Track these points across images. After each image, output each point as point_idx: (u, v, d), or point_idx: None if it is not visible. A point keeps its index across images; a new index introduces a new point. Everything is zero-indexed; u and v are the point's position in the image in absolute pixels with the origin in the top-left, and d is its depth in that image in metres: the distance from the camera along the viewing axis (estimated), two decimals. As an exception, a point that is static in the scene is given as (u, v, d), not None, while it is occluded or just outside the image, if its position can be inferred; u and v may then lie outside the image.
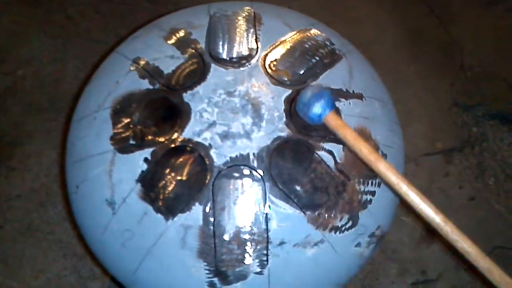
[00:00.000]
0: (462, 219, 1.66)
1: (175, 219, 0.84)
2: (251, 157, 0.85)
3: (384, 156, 0.93)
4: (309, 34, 1.00)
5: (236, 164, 0.85)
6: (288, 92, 0.91)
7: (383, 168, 0.81)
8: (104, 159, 0.89)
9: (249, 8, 1.02)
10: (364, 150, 0.82)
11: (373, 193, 0.90)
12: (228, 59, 0.94)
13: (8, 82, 1.86)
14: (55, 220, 1.62)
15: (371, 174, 0.90)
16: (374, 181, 0.91)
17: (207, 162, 0.85)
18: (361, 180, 0.89)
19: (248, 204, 0.84)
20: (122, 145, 0.88)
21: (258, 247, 0.83)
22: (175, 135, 0.87)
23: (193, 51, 0.95)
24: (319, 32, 1.01)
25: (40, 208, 1.63)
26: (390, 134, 0.96)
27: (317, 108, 0.83)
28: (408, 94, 1.90)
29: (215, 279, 0.84)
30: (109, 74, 0.99)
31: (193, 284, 0.85)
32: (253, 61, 0.94)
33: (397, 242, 1.62)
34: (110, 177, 0.88)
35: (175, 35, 0.98)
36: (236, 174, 0.85)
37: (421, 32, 2.08)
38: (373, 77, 1.03)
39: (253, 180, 0.84)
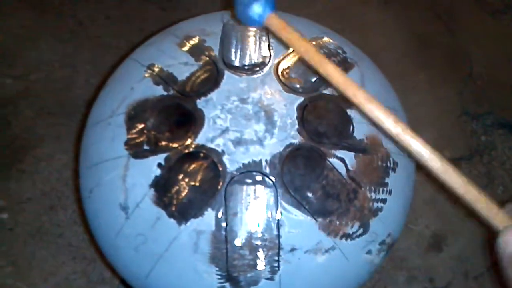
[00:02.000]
0: (470, 227, 1.67)
1: (188, 224, 0.84)
2: (264, 163, 0.86)
3: (396, 164, 0.93)
4: (321, 42, 1.01)
5: (249, 171, 0.86)
6: (301, 99, 0.92)
7: (331, 69, 0.73)
8: (118, 164, 0.90)
9: (262, 16, 1.03)
10: (309, 50, 0.75)
11: (384, 201, 0.91)
12: (241, 66, 0.95)
13: (19, 87, 1.87)
14: (65, 224, 1.63)
15: (383, 182, 0.91)
16: (385, 189, 0.91)
17: (220, 168, 0.86)
18: (373, 187, 0.90)
19: (260, 210, 0.85)
20: (136, 150, 0.89)
21: (270, 253, 0.84)
22: (189, 141, 0.88)
23: (207, 58, 0.96)
24: (331, 40, 1.02)
25: (51, 212, 1.65)
26: (401, 142, 0.97)
27: (257, 7, 0.76)
28: (417, 101, 1.90)
29: (227, 284, 0.85)
30: (123, 80, 1.00)
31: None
32: (266, 68, 0.95)
33: (406, 250, 1.63)
34: (124, 181, 0.89)
35: (189, 42, 0.99)
36: (249, 180, 0.85)
37: (429, 40, 2.09)
38: (384, 86, 1.03)
39: (265, 187, 0.85)
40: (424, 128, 1.84)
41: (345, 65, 0.99)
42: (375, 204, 0.90)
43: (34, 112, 1.82)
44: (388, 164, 0.92)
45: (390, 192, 0.92)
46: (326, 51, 0.99)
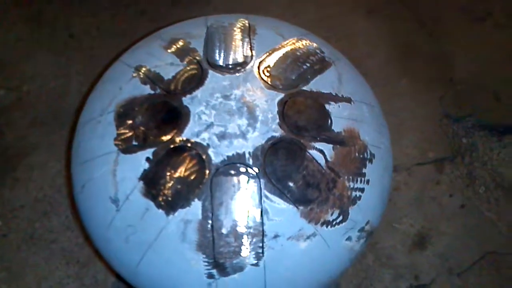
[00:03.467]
0: (454, 226, 1.71)
1: (176, 214, 0.89)
2: (247, 155, 0.91)
3: (372, 155, 0.98)
4: (300, 43, 1.06)
5: (233, 162, 0.90)
6: (281, 95, 0.97)
7: None
8: (108, 160, 0.94)
9: (244, 20, 1.09)
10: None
11: (362, 190, 0.95)
12: (224, 65, 1.00)
13: (13, 97, 1.92)
14: (58, 229, 1.66)
15: (360, 172, 0.96)
16: (363, 179, 0.96)
17: (206, 161, 0.90)
18: (351, 177, 0.95)
19: (244, 199, 0.89)
20: (125, 146, 0.94)
21: (254, 240, 0.88)
22: (175, 136, 0.92)
23: (192, 58, 1.01)
24: (310, 42, 1.07)
25: (44, 218, 1.68)
26: (378, 135, 1.02)
27: None
28: (400, 106, 1.96)
29: (214, 271, 0.89)
30: (112, 81, 1.05)
31: (193, 276, 0.90)
32: (248, 67, 1.00)
33: (391, 249, 1.67)
34: (114, 176, 0.93)
35: (175, 44, 1.04)
36: (233, 172, 0.90)
37: (413, 47, 2.15)
38: (361, 83, 1.09)
39: (248, 177, 0.90)
40: (408, 131, 1.90)
41: (323, 64, 1.04)
42: (354, 193, 0.94)
43: (27, 121, 1.86)
44: (365, 155, 0.97)
45: (368, 181, 0.97)
46: (305, 51, 1.05)
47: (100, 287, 1.57)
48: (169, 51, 1.04)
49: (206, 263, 0.89)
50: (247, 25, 1.07)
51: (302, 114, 0.96)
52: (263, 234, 0.89)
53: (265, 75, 0.99)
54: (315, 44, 1.08)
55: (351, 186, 0.94)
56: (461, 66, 2.08)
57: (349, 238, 0.95)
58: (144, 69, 1.01)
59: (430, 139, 1.90)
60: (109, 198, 0.93)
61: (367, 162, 0.97)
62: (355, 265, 1.61)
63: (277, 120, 0.94)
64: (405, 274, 1.63)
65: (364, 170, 0.97)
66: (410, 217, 1.73)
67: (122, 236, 0.92)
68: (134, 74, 1.02)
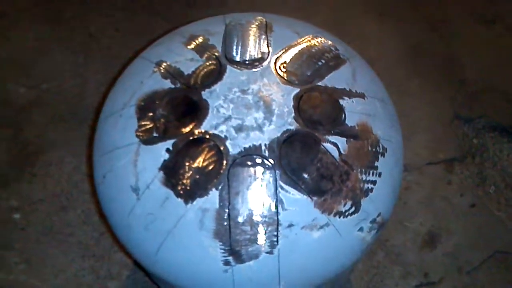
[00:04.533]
0: (464, 224, 1.74)
1: (194, 203, 0.92)
2: (263, 147, 0.94)
3: (385, 149, 1.01)
4: (315, 40, 1.10)
5: (249, 154, 0.94)
6: (297, 90, 1.00)
7: None
8: (129, 150, 0.98)
9: (261, 17, 1.12)
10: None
11: (374, 182, 0.98)
12: (242, 61, 1.04)
13: (32, 95, 1.97)
14: (75, 223, 1.71)
15: (373, 165, 0.99)
16: (375, 172, 0.99)
17: (223, 152, 0.94)
18: (363, 170, 0.98)
19: (260, 189, 0.92)
20: (146, 137, 0.98)
21: (269, 229, 0.92)
22: (194, 128, 0.96)
23: (211, 54, 1.05)
24: (325, 39, 1.11)
25: (61, 212, 1.72)
26: (390, 130, 1.05)
27: None
28: (411, 107, 1.99)
29: (230, 258, 0.92)
30: (134, 76, 1.09)
31: (209, 262, 0.93)
32: (265, 63, 1.04)
33: (401, 247, 1.69)
34: (135, 166, 0.97)
35: (194, 41, 1.08)
36: (249, 163, 0.93)
37: (423, 48, 2.18)
38: (374, 80, 1.12)
39: (264, 168, 0.93)
40: (419, 131, 1.93)
41: (337, 61, 1.07)
42: (366, 185, 0.97)
43: (46, 119, 1.91)
44: (378, 149, 1.00)
45: (380, 174, 1.00)
46: (320, 48, 1.08)
47: (114, 280, 1.61)
48: (188, 47, 1.07)
49: (222, 251, 0.92)
50: (264, 22, 1.11)
51: (317, 108, 0.99)
52: (278, 223, 0.92)
53: (281, 71, 1.03)
54: (329, 42, 1.11)
55: (364, 179, 0.97)
56: (472, 68, 2.11)
57: (361, 229, 0.97)
58: (164, 64, 1.05)
59: (441, 139, 1.93)
60: (130, 187, 0.97)
61: (380, 156, 1.00)
62: (365, 262, 1.64)
63: (293, 114, 0.97)
64: (414, 271, 1.66)
65: (376, 164, 0.99)
66: (421, 216, 1.76)
67: (142, 224, 0.96)
68: (155, 69, 1.05)
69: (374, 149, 1.00)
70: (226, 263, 0.93)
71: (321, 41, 1.10)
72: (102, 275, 1.62)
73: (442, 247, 1.71)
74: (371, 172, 0.99)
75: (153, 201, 0.95)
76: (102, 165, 1.04)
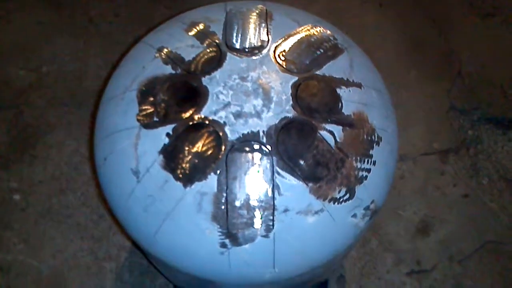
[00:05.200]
0: (456, 214, 1.77)
1: (193, 186, 0.94)
2: (261, 134, 0.96)
3: (380, 138, 1.04)
4: (314, 30, 1.11)
5: (248, 140, 0.96)
6: (295, 79, 1.02)
7: None
8: (130, 134, 1.00)
9: (261, 6, 1.14)
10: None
11: (368, 170, 1.01)
12: (242, 49, 1.06)
13: (33, 78, 1.99)
14: (74, 205, 1.73)
15: (367, 153, 1.01)
16: (370, 160, 1.01)
17: (222, 138, 0.96)
18: (358, 158, 1.00)
19: (257, 175, 0.95)
20: (147, 121, 1.00)
21: (265, 213, 0.94)
22: (194, 114, 0.98)
23: (211, 41, 1.07)
24: (324, 29, 1.13)
25: (60, 194, 1.75)
26: (385, 119, 1.07)
27: None
28: (408, 98, 2.01)
29: (227, 241, 0.95)
30: (136, 61, 1.10)
31: (206, 244, 0.96)
32: (264, 51, 1.06)
33: (394, 234, 1.73)
34: (136, 149, 0.99)
35: (195, 28, 1.10)
36: (247, 149, 0.96)
37: (422, 41, 2.20)
38: (371, 70, 1.14)
39: (262, 154, 0.95)
40: (415, 122, 1.95)
41: (335, 50, 1.09)
42: (360, 173, 1.00)
43: (46, 102, 1.93)
44: (373, 138, 1.03)
45: (374, 163, 1.02)
46: (319, 37, 1.10)
47: (113, 261, 1.64)
48: (189, 33, 1.09)
49: (219, 233, 0.95)
50: (264, 11, 1.12)
51: (315, 96, 1.01)
52: (274, 208, 0.94)
53: (281, 59, 1.04)
54: (328, 31, 1.13)
55: (359, 166, 1.00)
56: (469, 60, 2.13)
57: (354, 215, 1.00)
58: (166, 50, 1.07)
59: (436, 130, 1.95)
60: (130, 170, 0.99)
61: (374, 145, 1.03)
62: (359, 249, 1.67)
63: (291, 102, 1.00)
64: (407, 259, 1.69)
65: (371, 152, 1.02)
66: (414, 205, 1.79)
67: (141, 206, 0.98)
68: (157, 55, 1.07)
69: (369, 138, 1.02)
70: (223, 245, 0.95)
71: (320, 30, 1.12)
72: (101, 256, 1.65)
73: (435, 235, 1.74)
74: (366, 160, 1.01)
75: (153, 184, 0.97)
76: (103, 148, 1.06)
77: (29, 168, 1.79)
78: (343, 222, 0.99)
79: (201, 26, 1.11)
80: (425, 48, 2.17)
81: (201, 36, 1.08)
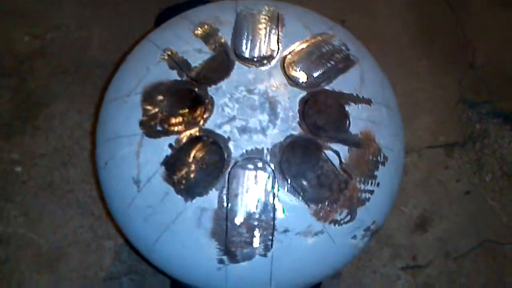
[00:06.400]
0: (456, 211, 1.77)
1: (193, 201, 0.94)
2: (265, 151, 0.95)
3: (386, 158, 1.02)
4: (326, 38, 1.07)
5: (251, 157, 0.94)
6: (303, 94, 1.00)
7: None
8: (132, 141, 0.99)
9: (273, 8, 1.09)
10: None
11: (371, 192, 1.00)
12: (250, 58, 1.02)
13: (37, 45, 1.94)
14: (75, 180, 1.73)
15: (372, 174, 1.00)
16: (374, 181, 1.00)
17: (225, 153, 0.94)
18: (362, 179, 0.99)
19: (259, 193, 0.94)
20: (150, 130, 0.98)
21: (265, 233, 0.94)
22: (198, 125, 0.96)
23: (219, 47, 1.03)
24: (336, 37, 1.09)
25: (62, 168, 1.75)
26: (393, 138, 1.05)
27: None
28: (418, 87, 1.97)
29: (224, 257, 0.95)
30: (140, 61, 1.07)
31: (204, 259, 0.96)
32: (273, 61, 1.02)
33: (393, 229, 1.73)
34: (137, 157, 0.98)
35: (204, 30, 1.06)
36: (251, 166, 0.94)
37: (436, 28, 2.14)
38: (383, 84, 1.11)
39: (265, 172, 0.94)
40: (422, 113, 1.92)
41: (347, 62, 1.06)
42: (363, 195, 0.99)
43: (50, 70, 1.90)
44: (379, 158, 1.01)
45: (378, 184, 1.01)
46: (331, 47, 1.06)
47: (112, 240, 1.65)
48: (197, 36, 1.05)
49: (218, 250, 0.95)
50: (275, 14, 1.08)
51: (322, 114, 0.99)
52: (273, 228, 0.94)
53: (290, 71, 1.01)
54: (340, 40, 1.09)
55: (362, 188, 0.99)
56: (484, 51, 2.07)
57: (354, 237, 1.00)
58: (172, 52, 1.04)
59: (444, 122, 1.92)
60: (131, 178, 0.98)
61: (380, 165, 1.01)
62: (356, 242, 1.68)
63: (297, 119, 0.97)
64: (403, 254, 1.70)
65: (376, 173, 1.00)
66: (415, 199, 1.79)
67: (141, 215, 0.98)
68: (162, 57, 1.04)
69: (375, 158, 1.01)
70: (221, 261, 0.96)
71: (332, 39, 1.08)
72: (100, 234, 1.67)
73: (433, 231, 1.74)
74: (370, 181, 1.00)
75: (154, 195, 0.96)
76: (105, 151, 1.05)
77: (31, 140, 1.78)
78: (343, 243, 0.99)
79: (209, 29, 1.07)
80: (439, 35, 2.11)
81: (209, 41, 1.05)
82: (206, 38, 1.05)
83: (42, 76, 1.89)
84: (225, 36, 1.06)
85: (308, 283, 1.04)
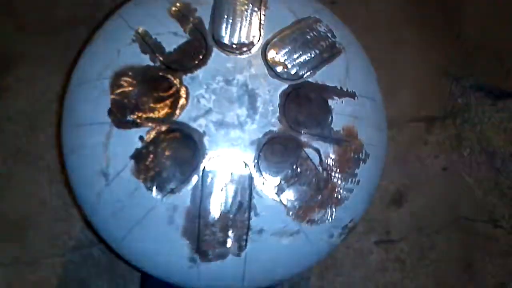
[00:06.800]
0: (432, 187, 1.76)
1: (165, 198, 0.89)
2: (242, 148, 0.90)
3: (367, 155, 0.98)
4: (312, 24, 1.01)
5: (227, 153, 0.90)
6: (285, 86, 0.94)
7: None
8: (101, 130, 0.92)
9: (257, -13, 1.01)
10: None
11: (351, 190, 0.96)
12: (230, 44, 0.95)
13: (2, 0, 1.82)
14: (44, 146, 1.66)
15: (352, 172, 0.96)
16: (354, 179, 0.96)
17: (200, 148, 0.89)
18: (342, 177, 0.95)
19: (234, 192, 0.89)
20: (119, 120, 0.92)
21: (239, 233, 0.90)
22: (171, 118, 0.90)
23: (197, 30, 0.96)
24: (322, 23, 1.02)
25: (30, 133, 1.67)
26: (376, 133, 1.01)
27: None
28: (402, 57, 1.91)
29: (196, 256, 0.92)
30: (111, 41, 0.99)
31: (175, 257, 0.93)
32: (254, 49, 0.96)
33: (369, 203, 1.71)
34: (106, 149, 0.92)
35: (180, 10, 0.98)
36: (226, 163, 0.89)
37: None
38: (368, 73, 1.05)
39: (241, 170, 0.89)
40: (405, 85, 1.88)
41: (332, 52, 0.99)
42: (343, 194, 0.95)
43: (16, 28, 1.78)
44: (360, 155, 0.97)
45: (358, 182, 0.97)
46: (316, 34, 1.00)
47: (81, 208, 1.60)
48: (173, 17, 0.97)
49: (190, 248, 0.91)
50: (259, -6, 1.01)
51: (304, 108, 0.94)
52: (248, 227, 0.90)
53: (271, 61, 0.95)
54: (327, 26, 1.02)
55: (341, 187, 0.95)
56: (471, 22, 2.00)
57: (331, 235, 0.97)
58: (145, 34, 0.96)
59: (426, 95, 1.89)
60: (99, 170, 0.92)
61: (361, 163, 0.97)
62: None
63: (277, 114, 0.92)
64: (377, 228, 1.70)
65: (356, 171, 0.97)
66: (392, 174, 1.76)
67: (110, 210, 0.93)
68: (134, 38, 0.96)
69: (356, 156, 0.97)
70: (192, 260, 0.92)
71: (317, 25, 1.01)
72: (69, 202, 1.62)
73: (408, 206, 1.74)
74: (350, 179, 0.96)
75: (123, 189, 0.91)
76: (72, 139, 0.99)
77: (-2, 102, 1.69)
78: (319, 242, 0.97)
79: (186, 8, 0.99)
80: (427, 5, 2.02)
81: (186, 23, 0.97)
82: (182, 20, 0.97)
83: (8, 34, 1.78)
84: (204, 18, 0.98)
85: (282, 280, 1.02)
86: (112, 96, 0.93)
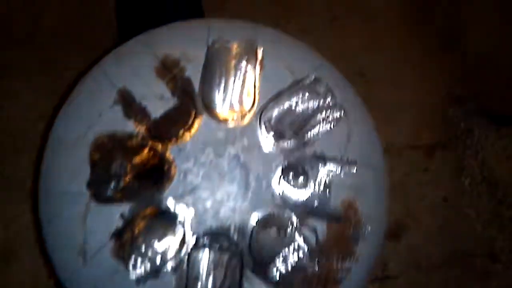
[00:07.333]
0: (431, 217, 1.70)
1: (147, 284, 0.82)
2: (232, 229, 0.83)
3: (367, 230, 0.91)
4: (310, 85, 0.92)
5: (216, 234, 0.83)
6: (280, 160, 0.86)
7: None
8: (79, 201, 0.85)
9: (251, 41, 0.92)
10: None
11: (349, 270, 0.89)
12: (221, 111, 0.87)
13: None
14: (28, 170, 1.58)
15: (351, 250, 0.89)
16: (352, 257, 0.89)
17: (186, 229, 0.82)
18: (340, 257, 0.88)
19: (222, 277, 0.82)
20: (99, 194, 0.84)
21: (227, 321, 0.84)
22: (156, 194, 0.83)
23: (186, 93, 0.87)
24: (321, 83, 0.93)
25: (13, 156, 1.59)
26: (376, 206, 0.94)
27: None
28: (405, 76, 1.82)
29: None
30: (92, 100, 0.91)
31: None
32: (248, 116, 0.87)
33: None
34: (84, 223, 0.85)
35: (168, 69, 0.89)
36: (214, 245, 0.82)
37: (431, 12, 1.95)
38: (371, 138, 0.97)
39: (231, 253, 0.83)
40: (407, 107, 1.79)
41: (333, 116, 0.91)
42: (340, 274, 0.89)
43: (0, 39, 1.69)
44: (360, 232, 0.90)
45: (357, 259, 0.90)
46: (315, 98, 0.91)
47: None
48: (160, 77, 0.89)
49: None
50: (254, 49, 0.92)
51: (300, 184, 0.86)
52: (237, 314, 0.84)
53: (266, 130, 0.87)
54: (327, 86, 0.93)
55: (339, 267, 0.88)
56: (478, 40, 1.91)
57: (325, 317, 0.91)
58: (129, 95, 0.87)
59: (428, 119, 1.80)
60: (76, 247, 0.85)
61: (360, 239, 0.90)
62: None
63: (271, 192, 0.85)
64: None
65: (355, 248, 0.90)
66: (391, 204, 1.69)
67: (87, 288, 0.86)
68: (117, 100, 0.88)
69: (356, 232, 0.90)
70: None
71: (316, 86, 0.92)
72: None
73: (406, 238, 1.68)
74: (348, 258, 0.89)
75: (101, 271, 0.84)
76: (48, 207, 0.90)
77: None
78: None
79: (175, 67, 0.90)
80: (434, 20, 1.92)
81: (173, 85, 0.88)
82: (171, 82, 0.88)
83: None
84: (193, 77, 0.89)
85: None
86: (92, 166, 0.85)
